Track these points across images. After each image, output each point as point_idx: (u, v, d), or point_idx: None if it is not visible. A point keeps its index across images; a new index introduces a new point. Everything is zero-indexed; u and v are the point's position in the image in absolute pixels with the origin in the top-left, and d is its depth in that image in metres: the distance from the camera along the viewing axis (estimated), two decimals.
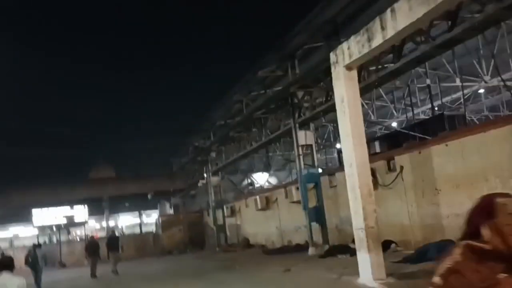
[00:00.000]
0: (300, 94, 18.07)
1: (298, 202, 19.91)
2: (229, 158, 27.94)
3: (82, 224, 33.96)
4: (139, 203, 38.84)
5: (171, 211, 37.92)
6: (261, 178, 34.97)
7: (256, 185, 34.13)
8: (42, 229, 33.95)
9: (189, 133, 30.41)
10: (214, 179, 28.00)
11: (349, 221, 12.71)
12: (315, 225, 17.83)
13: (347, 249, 15.32)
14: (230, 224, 28.31)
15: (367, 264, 9.64)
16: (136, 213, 40.59)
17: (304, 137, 17.86)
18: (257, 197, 24.11)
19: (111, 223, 39.93)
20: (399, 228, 14.03)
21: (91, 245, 20.67)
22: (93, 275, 18.95)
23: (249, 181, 36.07)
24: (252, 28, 54.50)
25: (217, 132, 27.68)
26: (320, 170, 19.46)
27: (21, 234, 39.88)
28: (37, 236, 32.82)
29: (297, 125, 17.92)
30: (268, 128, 22.04)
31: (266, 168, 34.89)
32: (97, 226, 43.88)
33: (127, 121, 63.08)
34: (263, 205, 23.60)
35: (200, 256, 25.29)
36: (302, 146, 17.96)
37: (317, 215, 17.80)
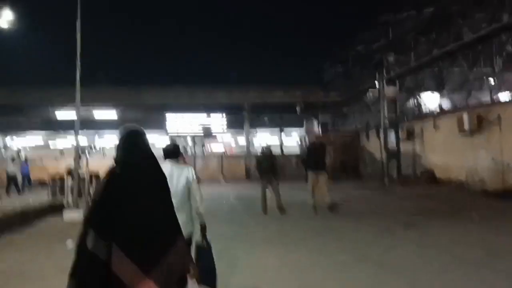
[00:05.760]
0: None
1: None
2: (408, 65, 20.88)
3: (219, 134, 29.73)
4: (280, 119, 33.39)
5: (318, 130, 31.97)
6: (431, 99, 27.20)
7: (424, 107, 26.79)
8: (175, 138, 30.34)
9: (354, 31, 23.42)
10: (390, 89, 20.93)
11: None
12: None
13: None
14: (405, 151, 21.51)
15: None
16: (276, 130, 35.18)
17: None
18: (464, 114, 16.77)
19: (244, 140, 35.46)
20: None
21: (266, 160, 12.32)
22: (265, 208, 11.93)
23: (416, 101, 28.51)
24: None
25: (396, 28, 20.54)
26: None
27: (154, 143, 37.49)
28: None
29: None
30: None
31: (439, 87, 26.94)
32: (233, 141, 40.07)
33: (272, 18, 55.62)
34: (473, 126, 16.28)
35: (368, 187, 19.10)
36: None
37: None
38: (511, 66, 20.81)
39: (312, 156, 12.06)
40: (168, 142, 4.12)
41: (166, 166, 3.74)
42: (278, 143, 33.16)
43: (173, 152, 4.06)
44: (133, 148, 2.65)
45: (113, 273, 2.33)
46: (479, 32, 15.86)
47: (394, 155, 21.39)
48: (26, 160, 22.53)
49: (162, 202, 2.62)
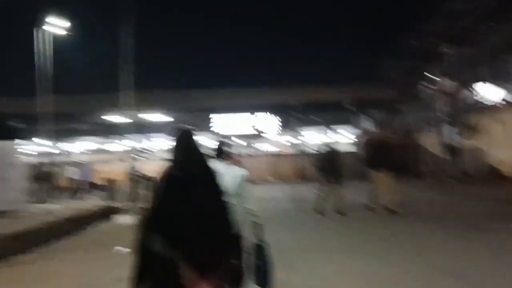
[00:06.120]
0: None
1: None
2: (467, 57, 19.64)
3: (267, 134, 29.37)
4: (331, 116, 32.48)
5: (372, 128, 30.91)
6: (488, 92, 25.48)
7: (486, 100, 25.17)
8: (225, 138, 30.33)
9: (409, 24, 22.36)
10: (448, 84, 19.78)
11: None
12: None
13: None
14: (467, 147, 20.29)
15: None
16: (327, 128, 34.32)
17: None
18: None
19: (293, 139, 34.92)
20: None
21: (328, 159, 11.53)
22: (321, 209, 11.18)
23: (477, 95, 26.80)
24: None
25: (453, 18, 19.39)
26: None
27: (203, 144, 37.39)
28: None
29: None
30: None
31: (502, 79, 25.16)
32: (282, 140, 39.61)
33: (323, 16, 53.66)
34: None
35: (430, 187, 18.09)
36: None
37: None
38: None
39: (375, 155, 11.30)
40: (218, 143, 3.90)
41: (217, 167, 3.47)
42: (330, 141, 32.40)
43: (222, 152, 3.85)
44: (189, 149, 2.67)
45: (172, 274, 2.34)
46: None
47: (455, 152, 20.19)
48: (88, 165, 23.04)
49: (218, 203, 2.61)
